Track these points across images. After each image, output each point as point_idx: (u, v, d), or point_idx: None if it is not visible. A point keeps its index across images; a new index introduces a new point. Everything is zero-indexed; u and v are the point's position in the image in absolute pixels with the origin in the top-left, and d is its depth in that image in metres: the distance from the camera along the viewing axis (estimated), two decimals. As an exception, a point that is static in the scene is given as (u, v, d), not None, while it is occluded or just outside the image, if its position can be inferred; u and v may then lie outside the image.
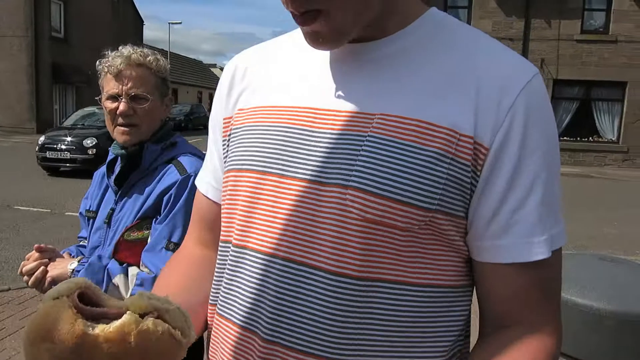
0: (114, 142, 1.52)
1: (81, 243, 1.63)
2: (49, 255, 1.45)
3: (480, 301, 0.70)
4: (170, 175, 1.43)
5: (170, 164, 1.47)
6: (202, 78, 46.20)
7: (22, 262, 1.44)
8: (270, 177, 0.67)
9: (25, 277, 1.42)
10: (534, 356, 0.64)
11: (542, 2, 15.52)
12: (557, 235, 0.64)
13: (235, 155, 0.72)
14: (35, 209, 7.23)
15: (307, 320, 0.63)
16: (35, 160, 10.70)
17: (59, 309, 0.41)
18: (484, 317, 0.70)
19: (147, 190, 1.44)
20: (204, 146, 0.89)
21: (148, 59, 1.48)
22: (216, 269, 0.75)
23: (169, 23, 33.95)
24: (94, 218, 1.55)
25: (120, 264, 1.41)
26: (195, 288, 0.78)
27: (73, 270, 1.39)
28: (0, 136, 18.92)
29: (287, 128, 0.67)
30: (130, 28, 28.39)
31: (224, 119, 0.79)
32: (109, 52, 1.49)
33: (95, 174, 1.64)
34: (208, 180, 0.83)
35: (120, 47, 1.49)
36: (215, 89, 0.84)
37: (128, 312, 0.43)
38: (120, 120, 1.45)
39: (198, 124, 28.31)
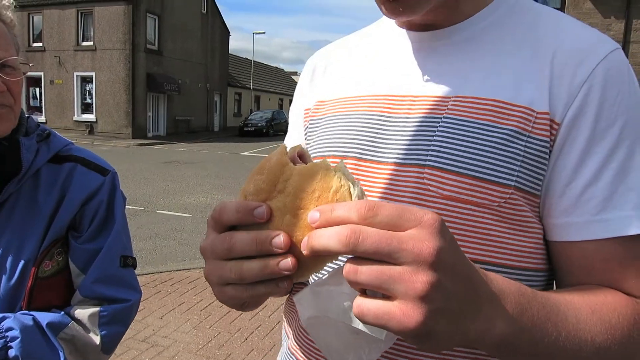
0: None
1: None
2: None
3: (558, 286, 0.66)
4: (85, 177, 1.07)
5: (68, 163, 1.08)
6: (284, 85, 47.50)
7: None
8: (349, 161, 0.69)
9: None
10: (618, 301, 0.58)
11: (645, 0, 14.31)
12: None
13: (317, 143, 0.76)
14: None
15: None
16: (128, 164, 11.46)
17: (277, 154, 0.51)
18: None
19: (43, 203, 1.02)
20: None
21: (3, 5, 1.00)
22: None
23: (253, 33, 35.19)
24: None
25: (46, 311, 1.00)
26: None
27: None
28: (100, 141, 20.59)
29: (365, 115, 0.71)
30: (217, 39, 29.86)
31: (305, 109, 0.83)
32: None
33: None
34: None
35: None
36: (296, 96, 0.87)
37: (322, 160, 0.50)
38: None
39: (279, 129, 29.09)
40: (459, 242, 0.60)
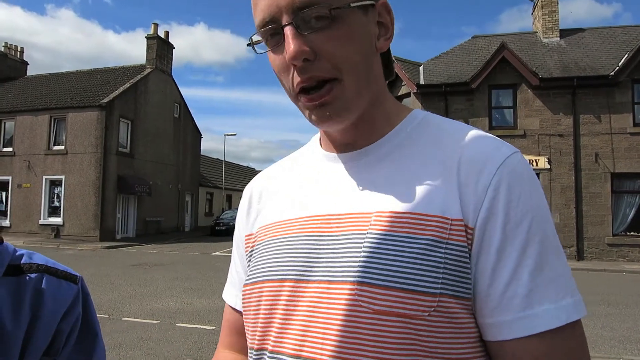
0: None
1: None
2: None
3: None
4: (58, 288, 0.90)
5: (31, 274, 0.89)
6: (255, 184, 47.84)
7: None
8: (287, 284, 0.71)
9: None
10: None
11: (589, 98, 15.56)
12: (567, 306, 0.62)
13: (257, 268, 0.78)
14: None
15: None
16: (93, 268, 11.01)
17: None
18: None
19: (12, 327, 0.82)
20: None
21: None
22: None
23: (224, 135, 36.11)
24: None
25: None
26: None
27: None
28: (66, 244, 19.97)
29: (299, 237, 0.74)
30: (189, 141, 30.54)
31: (246, 236, 0.87)
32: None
33: None
34: (236, 294, 0.89)
35: None
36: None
37: None
38: None
39: (250, 228, 28.76)
40: (394, 357, 0.62)
